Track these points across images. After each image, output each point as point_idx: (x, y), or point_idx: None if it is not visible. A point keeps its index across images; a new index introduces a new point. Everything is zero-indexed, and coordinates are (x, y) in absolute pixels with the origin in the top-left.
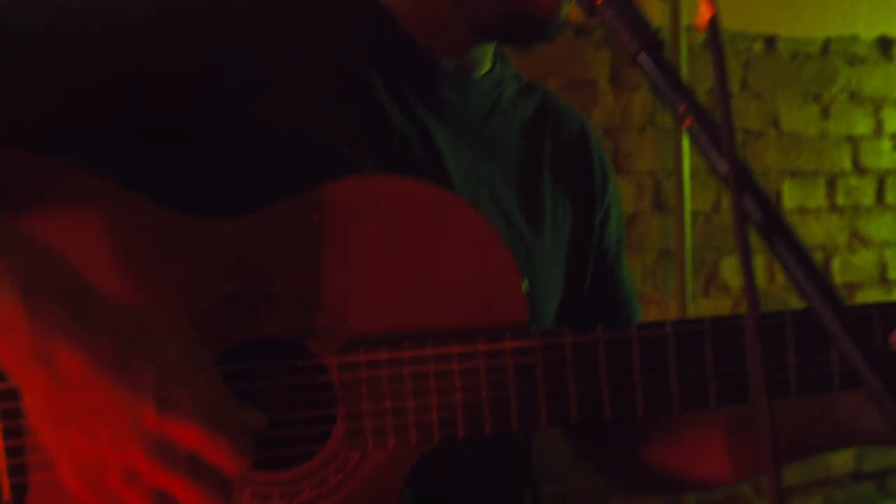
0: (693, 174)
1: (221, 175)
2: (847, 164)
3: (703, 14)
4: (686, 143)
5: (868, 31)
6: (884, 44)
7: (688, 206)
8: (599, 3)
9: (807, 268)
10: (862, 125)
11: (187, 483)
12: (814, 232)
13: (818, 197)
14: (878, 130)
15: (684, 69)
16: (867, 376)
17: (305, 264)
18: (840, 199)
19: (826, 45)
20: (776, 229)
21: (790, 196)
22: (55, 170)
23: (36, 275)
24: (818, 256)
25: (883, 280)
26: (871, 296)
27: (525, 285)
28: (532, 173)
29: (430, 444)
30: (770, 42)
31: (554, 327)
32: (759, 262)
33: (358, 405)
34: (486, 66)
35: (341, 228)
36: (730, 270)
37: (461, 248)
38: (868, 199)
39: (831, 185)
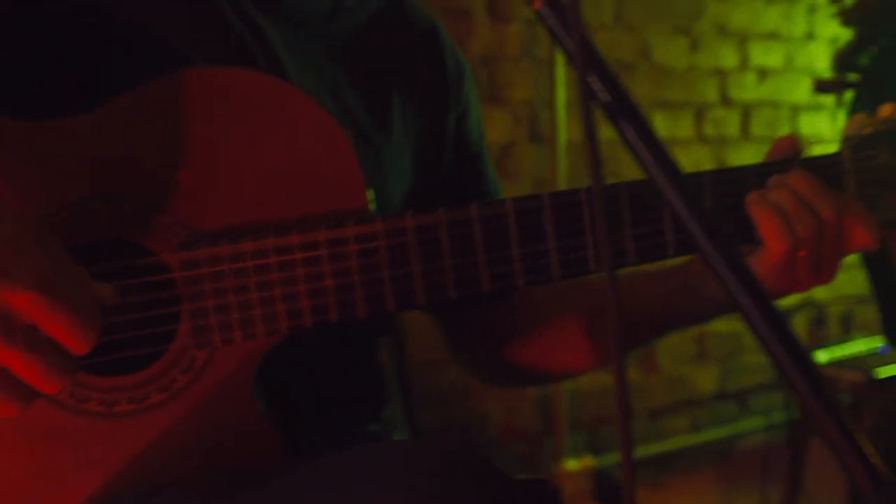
0: (568, 105)
1: (59, 66)
2: (714, 96)
3: None
4: (561, 74)
5: None
6: None
7: (562, 137)
8: None
9: (650, 144)
10: (728, 58)
11: (25, 357)
12: (682, 162)
13: (686, 128)
14: (744, 64)
15: None
16: (699, 241)
17: (146, 164)
18: (707, 130)
19: None
20: (622, 109)
21: (660, 127)
22: None
23: None
24: None
25: None
26: None
27: (363, 175)
28: (379, 72)
29: (279, 336)
30: None
31: None
32: None
33: (202, 302)
34: None
35: (180, 123)
36: None
37: (301, 139)
38: (734, 130)
39: (699, 117)
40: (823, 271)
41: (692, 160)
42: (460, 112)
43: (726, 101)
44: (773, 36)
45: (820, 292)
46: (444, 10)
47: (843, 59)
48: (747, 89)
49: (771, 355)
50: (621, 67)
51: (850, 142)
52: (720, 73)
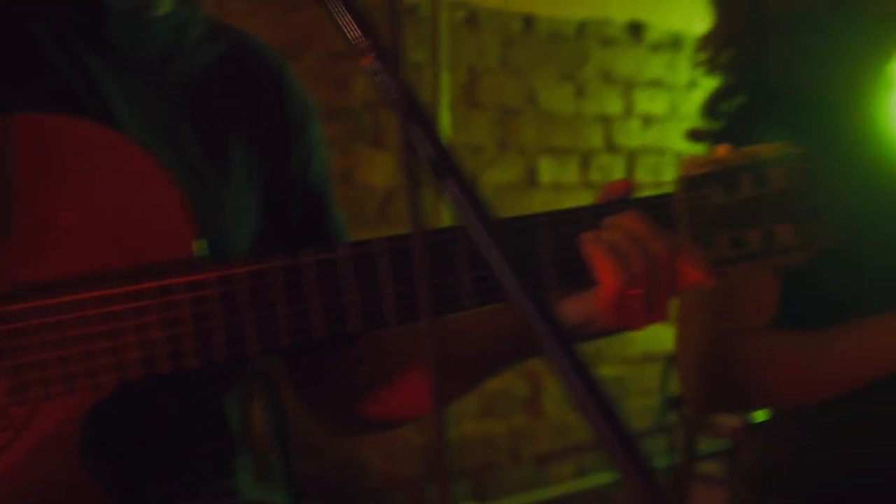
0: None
1: None
2: (600, 142)
3: None
4: (445, 118)
5: (620, 14)
6: (634, 28)
7: None
8: None
9: (465, 193)
10: (614, 105)
11: None
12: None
13: (572, 173)
14: (629, 111)
15: (445, 44)
16: (508, 288)
17: None
18: (593, 176)
19: (581, 27)
20: (442, 160)
21: (546, 172)
22: None
23: None
24: None
25: None
26: None
27: (195, 226)
28: (220, 115)
29: (105, 390)
30: (528, 22)
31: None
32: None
33: (22, 357)
34: (166, 8)
35: (1, 172)
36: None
37: (127, 189)
38: (619, 175)
39: (585, 163)
40: (657, 309)
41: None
42: (305, 154)
43: (611, 148)
44: (657, 84)
45: None
46: (329, 53)
47: (710, 108)
48: (632, 136)
49: (572, 393)
50: (507, 112)
51: (684, 182)
52: (605, 120)
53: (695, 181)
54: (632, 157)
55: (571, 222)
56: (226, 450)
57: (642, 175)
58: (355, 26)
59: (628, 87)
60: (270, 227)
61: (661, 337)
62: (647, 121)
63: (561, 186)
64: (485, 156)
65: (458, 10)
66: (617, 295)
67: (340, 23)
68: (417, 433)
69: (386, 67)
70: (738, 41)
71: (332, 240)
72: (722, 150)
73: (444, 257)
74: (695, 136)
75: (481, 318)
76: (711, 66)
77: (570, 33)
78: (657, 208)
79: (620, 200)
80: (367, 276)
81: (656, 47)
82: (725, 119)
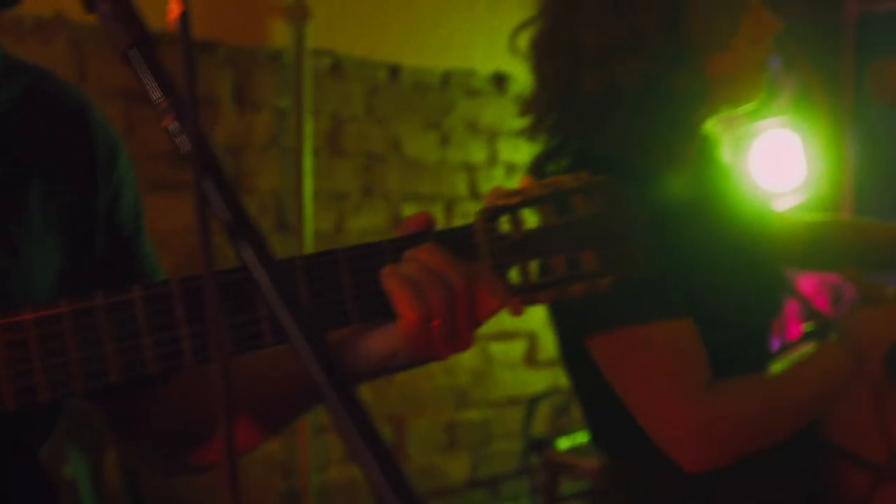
0: (315, 194)
1: None
2: (464, 189)
3: (173, 11)
4: (308, 163)
5: (484, 66)
6: (498, 79)
7: (309, 227)
8: None
9: (245, 232)
10: (478, 154)
11: None
12: None
13: (437, 220)
14: (493, 159)
15: (308, 91)
16: (291, 334)
17: None
18: (457, 222)
19: (446, 77)
20: (234, 213)
21: None
22: None
23: None
24: None
25: None
26: None
27: None
28: (18, 156)
29: None
30: (394, 71)
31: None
32: None
33: None
34: None
35: None
36: None
37: None
38: None
39: (449, 209)
40: (459, 339)
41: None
42: (112, 192)
43: (475, 195)
44: (520, 134)
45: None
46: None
47: (537, 168)
48: (496, 183)
49: (347, 440)
50: (372, 159)
51: (485, 213)
52: (470, 168)
53: (495, 211)
54: None
55: (372, 257)
56: (43, 501)
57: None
58: (157, 86)
59: (492, 137)
60: (78, 267)
61: (524, 380)
62: (511, 169)
63: None
64: (349, 202)
65: (323, 58)
66: (416, 326)
67: (144, 82)
68: (281, 479)
69: (182, 122)
70: (558, 109)
71: (144, 279)
72: (525, 180)
73: (242, 295)
74: None
75: (279, 358)
76: (536, 129)
77: (436, 83)
78: (459, 240)
79: (421, 234)
80: (162, 317)
81: (519, 98)
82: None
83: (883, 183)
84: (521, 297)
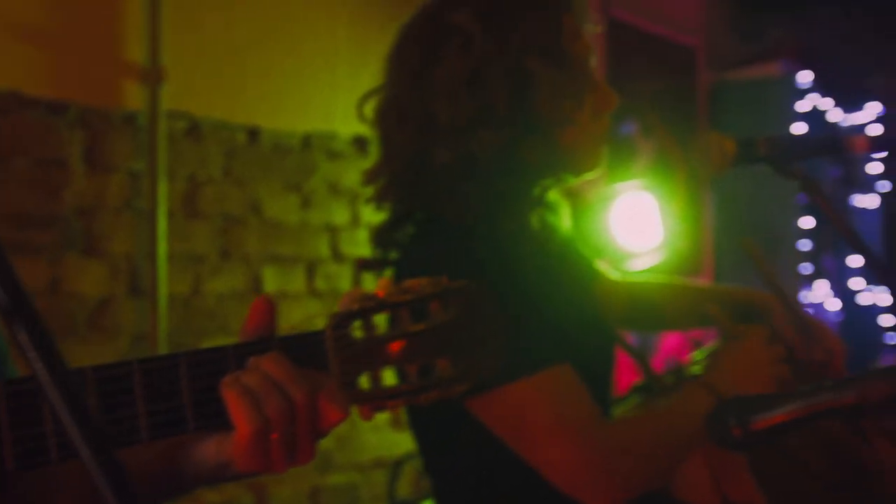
0: (170, 257)
1: None
2: (326, 251)
3: None
4: (163, 226)
5: (345, 128)
6: (359, 142)
7: (163, 290)
8: None
9: (37, 340)
10: (340, 215)
11: None
12: (294, 315)
13: (298, 282)
14: (356, 220)
15: (162, 154)
16: (78, 446)
17: None
18: (319, 284)
19: (307, 140)
20: (17, 310)
21: (271, 280)
22: None
23: None
24: None
25: None
26: None
27: None
28: None
29: None
30: (253, 133)
31: None
32: None
33: None
34: None
35: None
36: None
37: None
38: (346, 284)
39: (311, 271)
40: (299, 452)
41: (304, 314)
42: None
43: (338, 256)
44: (367, 202)
45: None
46: (37, 160)
47: (381, 237)
48: (359, 245)
49: None
50: (230, 221)
51: (335, 319)
52: (332, 229)
53: (346, 317)
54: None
55: (213, 362)
56: None
57: (369, 283)
58: None
59: (354, 198)
60: None
61: (390, 442)
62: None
63: (287, 295)
64: (206, 265)
65: (178, 120)
66: (251, 440)
67: None
68: None
69: None
70: (406, 178)
71: None
72: (382, 283)
73: (119, 392)
74: (364, 265)
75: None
76: (380, 199)
77: (296, 145)
78: (307, 346)
79: (266, 339)
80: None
81: None
82: (397, 248)
83: (741, 242)
84: (369, 405)
